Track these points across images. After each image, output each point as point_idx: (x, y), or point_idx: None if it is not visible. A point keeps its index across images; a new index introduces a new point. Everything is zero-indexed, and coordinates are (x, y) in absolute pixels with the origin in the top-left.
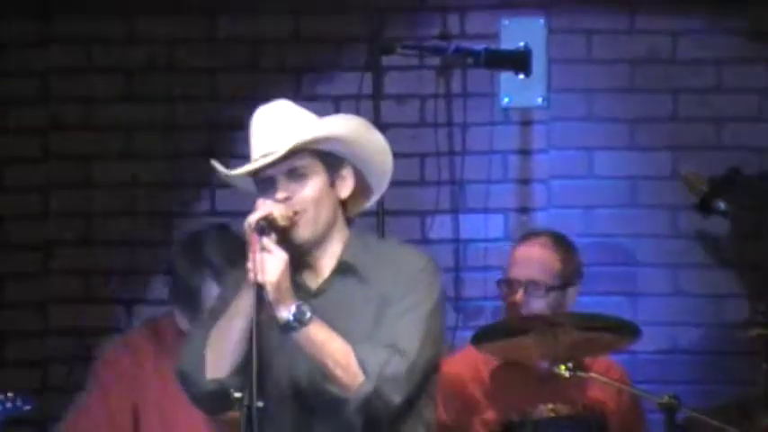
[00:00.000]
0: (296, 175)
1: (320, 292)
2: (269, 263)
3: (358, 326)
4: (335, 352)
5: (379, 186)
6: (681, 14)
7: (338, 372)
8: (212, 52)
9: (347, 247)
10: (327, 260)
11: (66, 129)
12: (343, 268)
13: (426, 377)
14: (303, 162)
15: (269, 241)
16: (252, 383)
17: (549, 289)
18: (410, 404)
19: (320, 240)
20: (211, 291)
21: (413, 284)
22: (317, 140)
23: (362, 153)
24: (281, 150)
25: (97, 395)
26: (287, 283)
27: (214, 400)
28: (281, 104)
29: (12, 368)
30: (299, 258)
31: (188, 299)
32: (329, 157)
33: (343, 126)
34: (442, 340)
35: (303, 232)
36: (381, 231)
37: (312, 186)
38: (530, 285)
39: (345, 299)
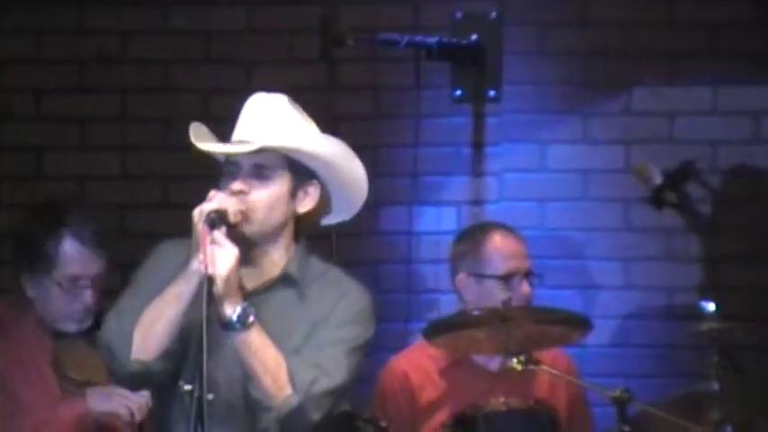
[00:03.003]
0: (260, 173)
1: (255, 293)
2: (220, 256)
3: (288, 338)
4: (269, 360)
5: (346, 211)
6: (633, 6)
7: (267, 380)
8: (165, 44)
9: (292, 261)
10: (268, 266)
11: (17, 120)
12: (284, 279)
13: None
14: (271, 163)
15: (220, 234)
16: (202, 375)
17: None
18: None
19: (263, 243)
20: (70, 249)
21: (353, 318)
22: (289, 150)
23: (336, 177)
24: (253, 145)
25: None
26: (236, 280)
27: (135, 380)
28: (277, 98)
29: None
30: (241, 255)
31: (38, 261)
32: (299, 169)
33: (322, 146)
34: (357, 376)
35: (247, 229)
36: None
37: (271, 189)
38: (529, 275)
39: (280, 308)
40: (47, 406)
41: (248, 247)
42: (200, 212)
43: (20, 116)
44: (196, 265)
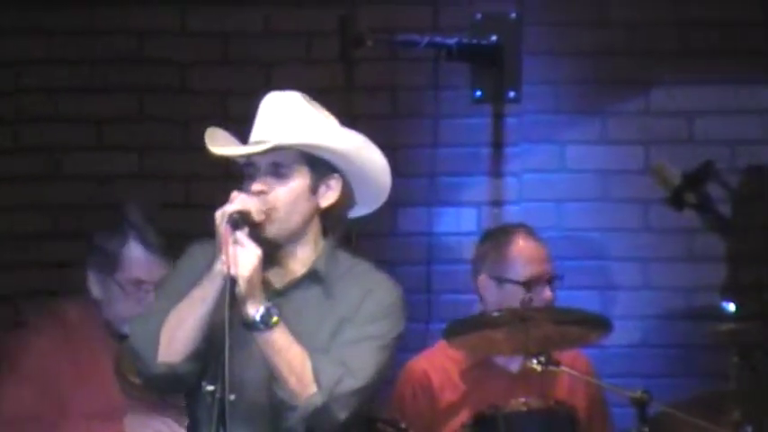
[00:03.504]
0: (278, 172)
1: (284, 292)
2: (242, 257)
3: (314, 336)
4: (293, 359)
5: (373, 202)
6: (652, 6)
7: (291, 379)
8: (183, 45)
9: (319, 257)
10: (296, 264)
11: (35, 121)
12: (311, 276)
13: (368, 402)
14: (288, 161)
15: (243, 235)
16: (225, 376)
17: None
18: (349, 426)
19: (287, 241)
20: (135, 252)
21: (381, 314)
22: (302, 146)
23: (356, 168)
24: (265, 145)
25: (14, 382)
26: (258, 280)
27: (162, 383)
28: (291, 96)
29: None
30: (267, 255)
31: (104, 262)
32: (317, 164)
33: (337, 139)
34: (388, 371)
35: (270, 229)
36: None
37: (290, 187)
38: (552, 280)
39: (307, 306)
40: (93, 422)
41: (273, 247)
42: (222, 214)
43: (37, 117)
44: (219, 266)
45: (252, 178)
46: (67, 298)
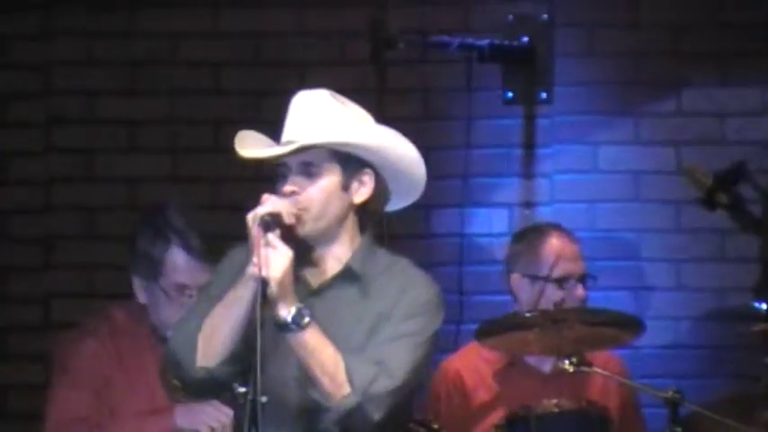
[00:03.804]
0: (308, 172)
1: (320, 291)
2: (274, 259)
3: (350, 335)
4: (326, 360)
5: (409, 195)
6: (683, 7)
7: (325, 380)
8: (215, 46)
9: (355, 254)
10: (332, 262)
11: (68, 123)
12: (347, 274)
13: (408, 403)
14: (318, 160)
15: (274, 237)
16: (256, 377)
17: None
18: (384, 426)
19: (322, 239)
20: (177, 257)
21: (417, 311)
22: (330, 143)
23: (388, 162)
24: (292, 145)
25: (67, 385)
26: (290, 282)
27: (201, 387)
28: (318, 94)
29: (14, 362)
30: (303, 254)
31: (148, 267)
32: (348, 160)
33: (365, 135)
34: (427, 370)
35: (304, 228)
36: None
37: (321, 186)
38: (585, 279)
39: (343, 305)
40: (143, 416)
41: (307, 246)
42: (253, 216)
43: (71, 118)
44: (251, 268)
45: (285, 179)
46: (116, 302)
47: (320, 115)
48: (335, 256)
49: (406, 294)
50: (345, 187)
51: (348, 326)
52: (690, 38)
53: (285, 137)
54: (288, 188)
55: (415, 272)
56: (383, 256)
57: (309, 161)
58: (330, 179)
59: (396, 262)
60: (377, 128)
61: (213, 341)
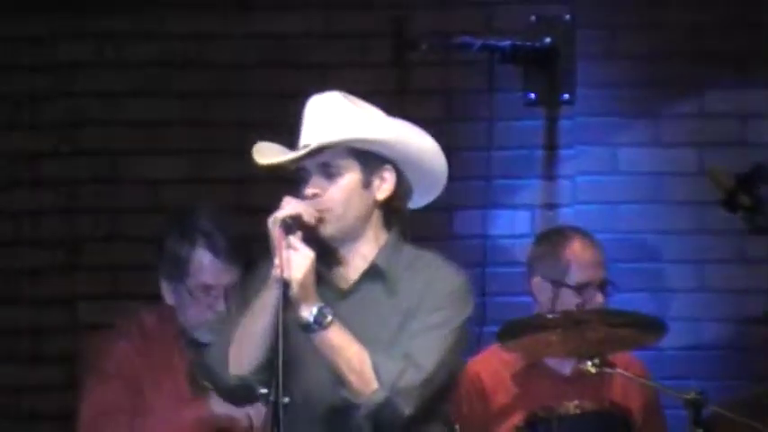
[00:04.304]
0: (328, 172)
1: (348, 292)
2: (295, 260)
3: (381, 333)
4: (351, 357)
5: (431, 189)
6: (705, 8)
7: (352, 377)
8: (239, 48)
9: (381, 252)
10: (358, 261)
11: (93, 125)
12: (372, 272)
13: (441, 394)
14: (337, 159)
15: (295, 239)
16: (278, 379)
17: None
18: (420, 420)
19: (347, 239)
20: (203, 258)
21: (444, 302)
22: (347, 142)
23: (408, 156)
24: (308, 148)
25: (101, 382)
26: (311, 282)
27: (236, 395)
28: (331, 96)
29: (43, 364)
30: (330, 255)
31: (174, 269)
32: (367, 157)
33: (380, 130)
34: (461, 360)
35: (328, 229)
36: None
37: (341, 185)
38: (604, 285)
39: (372, 304)
40: (180, 404)
41: (333, 246)
42: (273, 220)
43: (96, 120)
44: (275, 271)
45: (306, 182)
46: (144, 303)
47: (334, 116)
48: (362, 255)
49: (432, 287)
50: (366, 185)
51: (377, 324)
52: (712, 39)
53: (302, 141)
54: (309, 191)
55: (440, 264)
56: (409, 252)
57: (327, 162)
58: (350, 178)
59: (421, 256)
60: (392, 122)
61: (243, 348)
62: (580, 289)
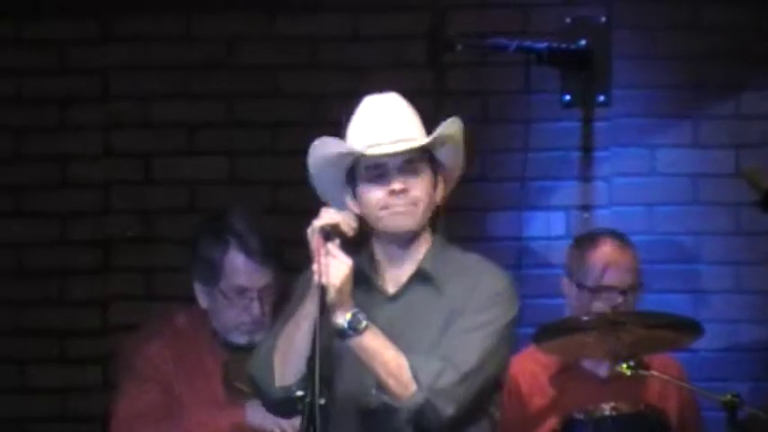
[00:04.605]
0: (412, 170)
1: (396, 296)
2: (334, 267)
3: (426, 335)
4: (388, 361)
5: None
6: (743, 9)
7: (390, 381)
8: (272, 50)
9: (427, 255)
10: (408, 265)
11: (126, 127)
12: (420, 275)
13: (487, 395)
14: (417, 157)
15: (334, 246)
16: (314, 380)
17: (638, 289)
18: (465, 421)
19: (413, 237)
20: (236, 260)
21: (488, 303)
22: (446, 138)
23: (458, 162)
24: (417, 139)
25: (136, 382)
26: (348, 289)
27: (284, 407)
28: (392, 97)
29: (74, 365)
30: (376, 260)
31: (208, 272)
32: (434, 160)
33: (459, 132)
34: (506, 361)
35: (408, 222)
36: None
37: (425, 181)
38: (629, 291)
39: (418, 307)
40: (216, 410)
41: (402, 243)
42: (312, 229)
43: (129, 122)
44: (315, 278)
45: (379, 179)
46: (178, 305)
47: (409, 115)
48: (412, 258)
49: (477, 289)
50: (435, 186)
51: (423, 326)
52: (749, 40)
53: (378, 138)
54: (397, 186)
55: (485, 266)
56: (454, 254)
57: (413, 158)
58: (428, 177)
59: (466, 258)
60: (456, 122)
61: (288, 359)
62: (598, 291)
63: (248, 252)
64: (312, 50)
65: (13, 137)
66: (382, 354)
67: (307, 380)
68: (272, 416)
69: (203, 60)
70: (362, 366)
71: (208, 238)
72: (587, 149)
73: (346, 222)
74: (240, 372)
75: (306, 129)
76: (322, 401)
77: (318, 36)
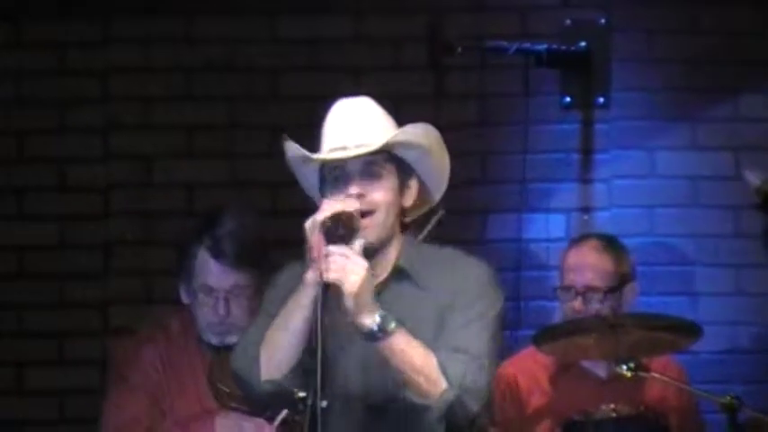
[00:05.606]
0: (372, 174)
1: (377, 297)
2: (350, 270)
3: (417, 331)
4: (417, 360)
5: (434, 199)
6: (741, 12)
7: (420, 380)
8: (272, 52)
9: (401, 253)
10: (384, 265)
11: (126, 129)
12: (397, 273)
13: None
14: (380, 161)
15: (348, 249)
16: (317, 383)
17: (607, 292)
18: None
19: (383, 245)
20: (205, 259)
21: (480, 293)
22: (405, 143)
23: (430, 166)
24: (374, 144)
25: (127, 392)
26: (369, 291)
27: (271, 400)
28: (364, 101)
29: (73, 367)
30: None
31: (184, 269)
32: (402, 164)
33: (425, 136)
34: (502, 348)
35: (370, 235)
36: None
37: (386, 186)
38: (587, 291)
39: (401, 304)
40: (185, 423)
41: (370, 254)
42: (312, 223)
43: (129, 125)
44: (311, 275)
45: (339, 183)
46: (171, 308)
47: (373, 119)
48: (389, 260)
49: (465, 281)
50: (401, 190)
51: (413, 322)
52: (748, 43)
53: (339, 142)
54: (354, 189)
55: (465, 259)
56: (428, 249)
57: (374, 161)
58: (391, 182)
59: (442, 253)
60: (426, 128)
61: (276, 352)
62: (562, 291)
63: (218, 252)
64: (312, 53)
65: (14, 139)
66: (411, 353)
67: (300, 377)
68: (244, 428)
69: (204, 63)
70: (386, 366)
71: (190, 235)
72: (587, 152)
73: (349, 205)
74: (223, 374)
75: (305, 131)
76: (324, 404)
77: (319, 39)
